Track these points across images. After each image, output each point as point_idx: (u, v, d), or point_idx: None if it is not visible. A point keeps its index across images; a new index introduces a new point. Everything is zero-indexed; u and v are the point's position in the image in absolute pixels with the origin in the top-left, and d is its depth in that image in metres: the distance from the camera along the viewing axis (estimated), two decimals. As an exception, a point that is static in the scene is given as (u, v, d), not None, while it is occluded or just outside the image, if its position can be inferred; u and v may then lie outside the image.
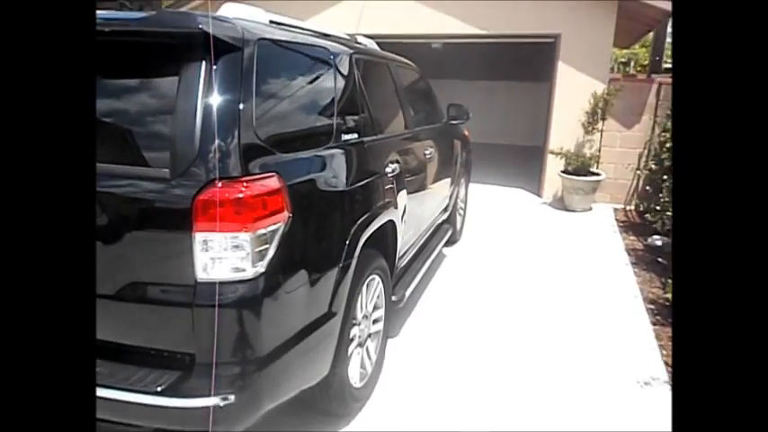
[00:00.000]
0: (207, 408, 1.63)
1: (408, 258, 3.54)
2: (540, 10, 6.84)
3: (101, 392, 1.63)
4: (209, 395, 1.62)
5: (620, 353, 3.23)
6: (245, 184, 1.65)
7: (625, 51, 13.95)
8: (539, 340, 3.41)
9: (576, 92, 6.89)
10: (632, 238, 5.84)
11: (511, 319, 3.72)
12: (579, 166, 6.75)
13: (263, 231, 1.67)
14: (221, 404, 1.64)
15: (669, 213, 5.07)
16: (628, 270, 4.80)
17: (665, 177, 5.41)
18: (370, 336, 2.71)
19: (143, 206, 1.68)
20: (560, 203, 7.06)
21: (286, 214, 1.77)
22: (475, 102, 8.23)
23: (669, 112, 6.58)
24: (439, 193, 4.25)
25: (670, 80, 6.98)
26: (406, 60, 4.14)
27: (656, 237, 5.56)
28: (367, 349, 2.68)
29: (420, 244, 3.86)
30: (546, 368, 3.05)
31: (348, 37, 3.13)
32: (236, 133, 1.69)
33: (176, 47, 1.70)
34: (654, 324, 3.65)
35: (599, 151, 7.03)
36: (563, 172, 6.87)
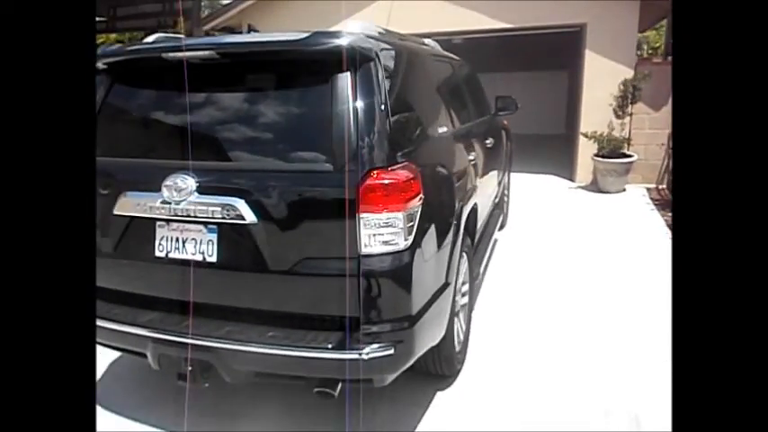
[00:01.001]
0: (375, 359, 1.97)
1: (477, 239, 3.86)
2: (565, 1, 7.11)
3: (280, 352, 1.98)
4: (380, 348, 1.96)
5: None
6: (394, 172, 1.98)
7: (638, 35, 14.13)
8: (597, 311, 3.71)
9: (604, 77, 7.15)
10: (670, 214, 6.10)
11: (567, 297, 4.03)
12: (612, 149, 7.02)
13: (410, 211, 2.00)
14: (384, 354, 1.97)
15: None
16: (667, 246, 5.08)
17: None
18: (462, 307, 3.03)
19: (312, 195, 2.01)
20: (594, 186, 7.34)
21: (421, 196, 2.10)
22: (494, 94, 8.51)
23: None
24: (496, 180, 4.57)
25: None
26: (460, 59, 4.46)
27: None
28: (459, 319, 3.00)
29: (484, 227, 4.18)
30: (606, 334, 3.36)
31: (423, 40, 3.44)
32: (382, 130, 2.02)
33: (326, 62, 2.02)
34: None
35: (629, 134, 7.29)
36: (596, 155, 7.15)
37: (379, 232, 1.94)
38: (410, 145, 2.24)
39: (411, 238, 2.01)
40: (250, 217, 1.98)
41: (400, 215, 1.95)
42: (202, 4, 8.72)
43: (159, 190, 2.09)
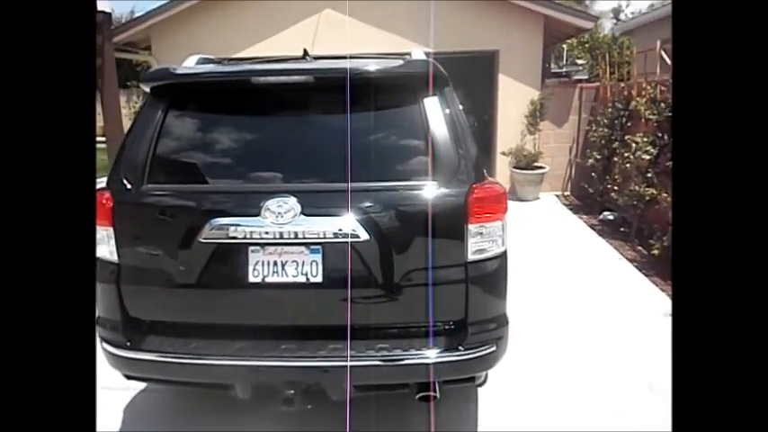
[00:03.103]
0: (480, 357, 2.14)
1: None
2: (479, 30, 7.85)
3: (392, 363, 2.07)
4: (484, 347, 2.14)
5: (631, 299, 4.17)
6: (492, 186, 2.18)
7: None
8: (552, 305, 4.23)
9: (515, 98, 8.00)
10: (585, 216, 7.01)
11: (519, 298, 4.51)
12: (528, 162, 7.86)
13: (504, 220, 2.22)
14: (489, 351, 2.16)
15: (613, 194, 6.27)
16: (600, 241, 5.88)
17: (605, 164, 6.67)
18: None
19: (417, 210, 2.11)
20: (513, 195, 8.11)
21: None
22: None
23: (590, 112, 7.95)
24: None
25: (589, 84, 8.40)
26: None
27: (606, 213, 6.78)
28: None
29: None
30: (576, 321, 3.87)
31: None
32: (474, 149, 2.22)
33: (417, 86, 2.18)
34: (646, 276, 4.69)
35: (538, 148, 8.21)
36: (515, 167, 7.94)
37: (484, 240, 2.14)
38: (483, 163, 2.46)
39: (505, 244, 2.23)
40: (363, 235, 2.05)
41: (500, 224, 2.17)
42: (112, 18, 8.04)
43: (257, 215, 2.06)
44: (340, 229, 2.05)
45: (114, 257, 2.21)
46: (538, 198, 8.04)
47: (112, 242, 2.20)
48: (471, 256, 2.14)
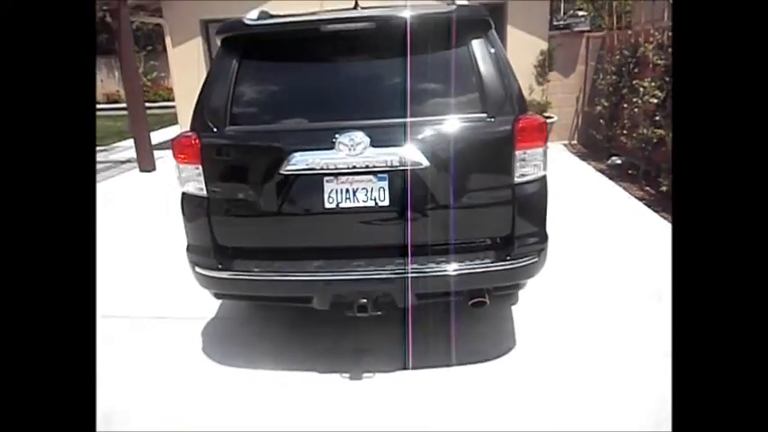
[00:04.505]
0: (525, 266, 2.50)
1: None
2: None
3: (452, 272, 2.42)
4: (528, 258, 2.49)
5: (642, 231, 4.53)
6: (533, 117, 2.49)
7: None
8: (572, 237, 4.59)
9: (524, 49, 8.16)
10: (594, 163, 7.32)
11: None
12: (537, 112, 8.09)
13: (545, 147, 2.53)
14: (533, 261, 2.52)
15: (622, 139, 6.55)
16: (609, 183, 6.21)
17: (613, 111, 6.94)
18: None
19: (471, 138, 2.42)
20: (522, 146, 8.39)
21: None
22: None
23: (597, 61, 8.13)
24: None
25: (595, 34, 8.54)
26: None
27: (614, 157, 7.08)
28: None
29: None
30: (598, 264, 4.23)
31: None
32: (517, 85, 2.52)
33: (467, 29, 2.46)
34: (655, 212, 5.04)
35: (547, 98, 8.43)
36: (524, 118, 8.18)
37: (528, 164, 2.46)
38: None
39: (546, 169, 2.56)
40: (425, 162, 2.37)
41: (541, 150, 2.48)
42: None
43: (332, 148, 2.37)
44: (404, 158, 2.37)
45: (204, 192, 2.53)
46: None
47: (201, 178, 2.51)
48: (517, 179, 2.46)
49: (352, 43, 2.47)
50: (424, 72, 2.47)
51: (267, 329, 3.19)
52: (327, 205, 2.45)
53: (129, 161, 8.75)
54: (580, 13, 16.38)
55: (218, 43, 2.61)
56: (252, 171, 2.50)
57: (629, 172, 6.46)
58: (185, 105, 9.06)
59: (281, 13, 2.76)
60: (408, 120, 2.40)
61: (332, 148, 2.37)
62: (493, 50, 2.49)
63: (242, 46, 2.54)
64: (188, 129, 2.58)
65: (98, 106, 17.54)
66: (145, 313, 3.47)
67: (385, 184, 2.43)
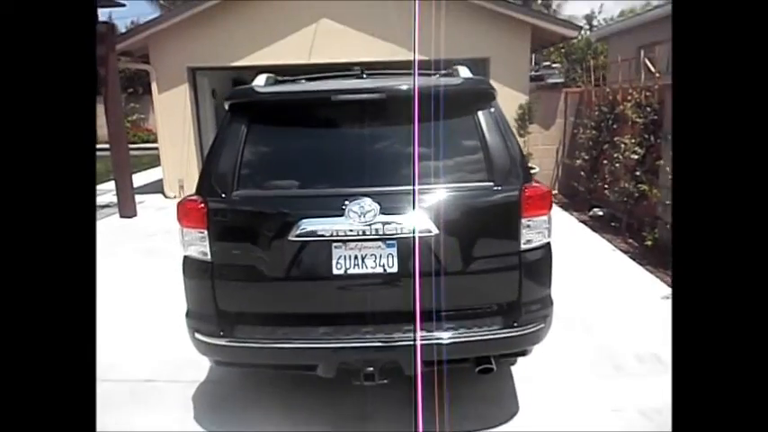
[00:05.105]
0: (532, 332, 2.50)
1: None
2: (471, 38, 8.28)
3: (460, 339, 2.41)
4: (535, 324, 2.50)
5: (629, 284, 4.61)
6: (539, 186, 2.54)
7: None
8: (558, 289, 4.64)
9: (505, 103, 8.42)
10: (576, 213, 7.50)
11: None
12: (519, 163, 8.31)
13: (550, 214, 2.58)
14: (539, 327, 2.52)
15: (606, 192, 6.76)
16: (593, 235, 6.34)
17: (593, 164, 7.17)
18: None
19: (478, 206, 2.47)
20: (505, 195, 8.57)
21: None
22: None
23: (575, 115, 8.47)
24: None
25: (574, 89, 8.93)
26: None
27: (596, 209, 7.27)
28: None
29: None
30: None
31: None
32: (522, 155, 2.59)
33: (473, 100, 2.54)
34: (640, 264, 5.15)
35: (528, 150, 8.67)
36: (507, 169, 8.38)
37: (534, 231, 2.50)
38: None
39: (550, 235, 2.60)
40: (434, 229, 2.39)
41: (546, 218, 2.53)
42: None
43: (341, 215, 2.37)
44: (413, 225, 2.38)
45: (208, 257, 2.48)
46: (529, 197, 8.49)
47: (206, 243, 2.47)
48: (524, 246, 2.49)
49: (361, 111, 2.51)
50: (431, 141, 2.52)
51: (263, 393, 3.08)
52: (335, 271, 2.43)
53: (108, 206, 8.57)
54: (554, 65, 17.25)
55: (226, 108, 2.62)
56: (259, 237, 2.47)
57: (612, 224, 6.63)
58: (170, 149, 9.03)
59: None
60: (417, 187, 2.43)
61: (341, 215, 2.37)
62: (498, 121, 2.56)
63: (251, 112, 2.56)
64: (193, 192, 2.56)
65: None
66: (131, 376, 3.32)
67: (394, 250, 2.43)
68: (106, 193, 9.53)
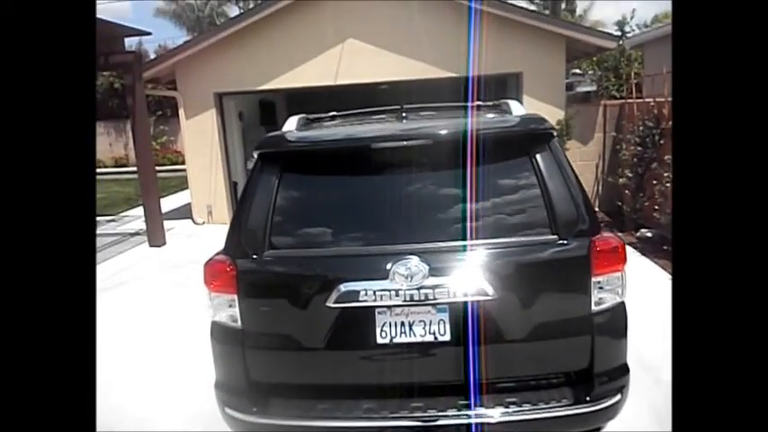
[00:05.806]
0: (608, 407, 2.17)
1: None
2: (504, 53, 7.96)
3: (524, 417, 2.09)
4: (608, 398, 2.16)
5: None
6: (611, 239, 2.21)
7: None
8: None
9: (540, 119, 8.09)
10: (620, 234, 7.05)
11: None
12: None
13: (624, 270, 2.25)
14: (615, 401, 2.18)
15: (655, 214, 6.32)
16: (645, 260, 5.90)
17: (638, 181, 6.73)
18: None
19: (541, 263, 2.16)
20: (543, 214, 8.17)
21: None
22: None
23: (615, 130, 8.04)
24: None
25: (613, 102, 8.51)
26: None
27: (643, 230, 6.82)
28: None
29: None
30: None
31: None
32: (587, 198, 2.27)
33: (530, 142, 2.24)
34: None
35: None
36: (545, 187, 8.00)
37: (606, 291, 2.17)
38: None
39: (625, 294, 2.27)
40: (490, 291, 2.09)
41: (620, 274, 2.21)
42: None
43: (385, 277, 2.10)
44: (467, 288, 2.09)
45: (238, 324, 2.24)
46: (568, 216, 8.08)
47: (236, 308, 2.23)
48: (595, 308, 2.17)
49: (404, 158, 2.23)
50: (485, 190, 2.23)
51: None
52: (380, 340, 2.15)
53: (138, 233, 8.52)
54: (577, 71, 16.60)
55: (255, 156, 2.39)
56: (294, 302, 2.21)
57: (664, 247, 6.18)
58: (198, 175, 8.96)
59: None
60: (470, 242, 2.14)
61: (386, 278, 2.10)
62: (559, 162, 2.26)
63: (283, 161, 2.31)
64: (221, 252, 2.33)
65: (106, 170, 17.74)
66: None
67: (445, 315, 2.14)
68: (135, 219, 9.53)
